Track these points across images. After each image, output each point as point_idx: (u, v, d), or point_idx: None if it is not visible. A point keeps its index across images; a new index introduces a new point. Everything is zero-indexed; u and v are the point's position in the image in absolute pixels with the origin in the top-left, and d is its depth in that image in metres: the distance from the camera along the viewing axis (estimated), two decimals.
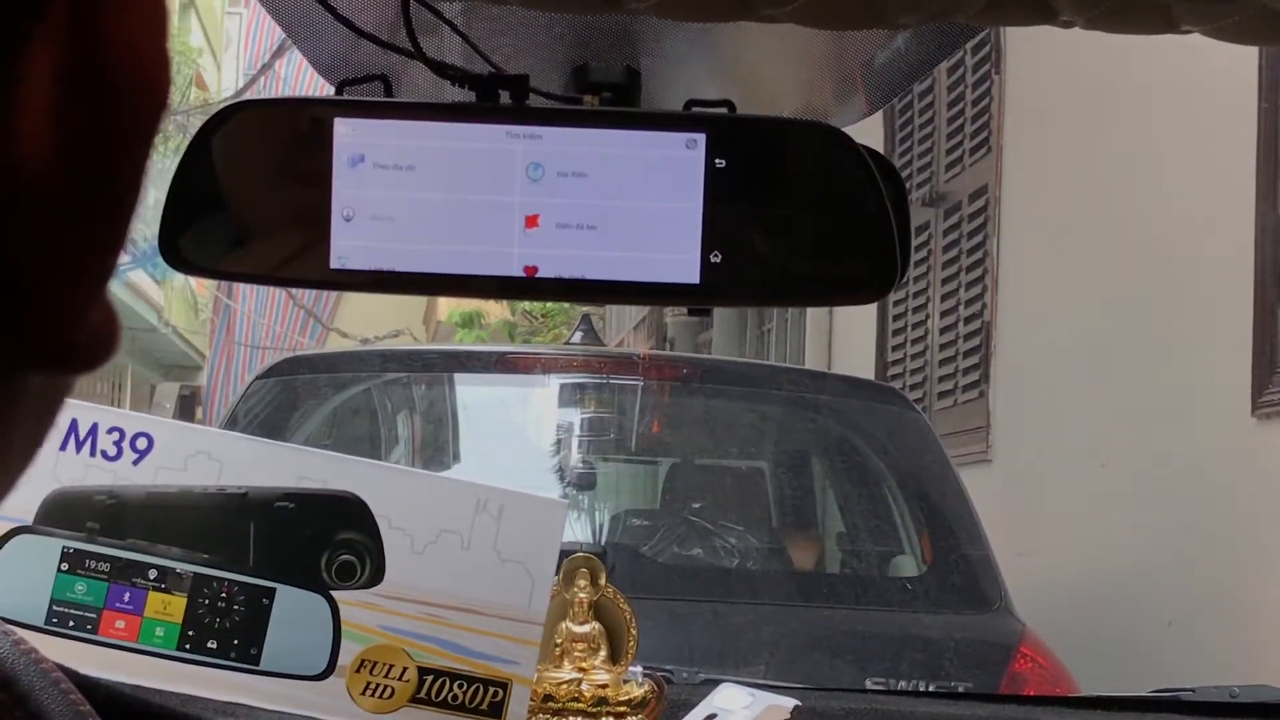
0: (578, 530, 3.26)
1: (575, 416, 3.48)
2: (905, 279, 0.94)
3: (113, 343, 0.31)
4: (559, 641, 1.23)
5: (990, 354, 5.51)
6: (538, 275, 0.91)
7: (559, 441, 3.45)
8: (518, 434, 3.59)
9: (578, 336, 4.10)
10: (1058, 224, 4.91)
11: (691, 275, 0.90)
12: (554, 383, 3.51)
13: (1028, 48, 5.18)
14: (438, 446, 3.56)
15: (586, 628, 1.24)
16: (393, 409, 3.65)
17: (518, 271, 0.91)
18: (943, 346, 6.07)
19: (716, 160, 0.90)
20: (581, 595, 1.25)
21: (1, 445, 0.31)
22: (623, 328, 12.41)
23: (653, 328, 11.00)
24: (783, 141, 0.93)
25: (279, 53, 9.56)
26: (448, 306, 15.20)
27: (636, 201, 0.90)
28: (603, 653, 1.24)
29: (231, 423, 3.28)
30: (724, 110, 0.92)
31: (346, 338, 14.03)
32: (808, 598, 3.18)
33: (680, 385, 3.52)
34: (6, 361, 0.30)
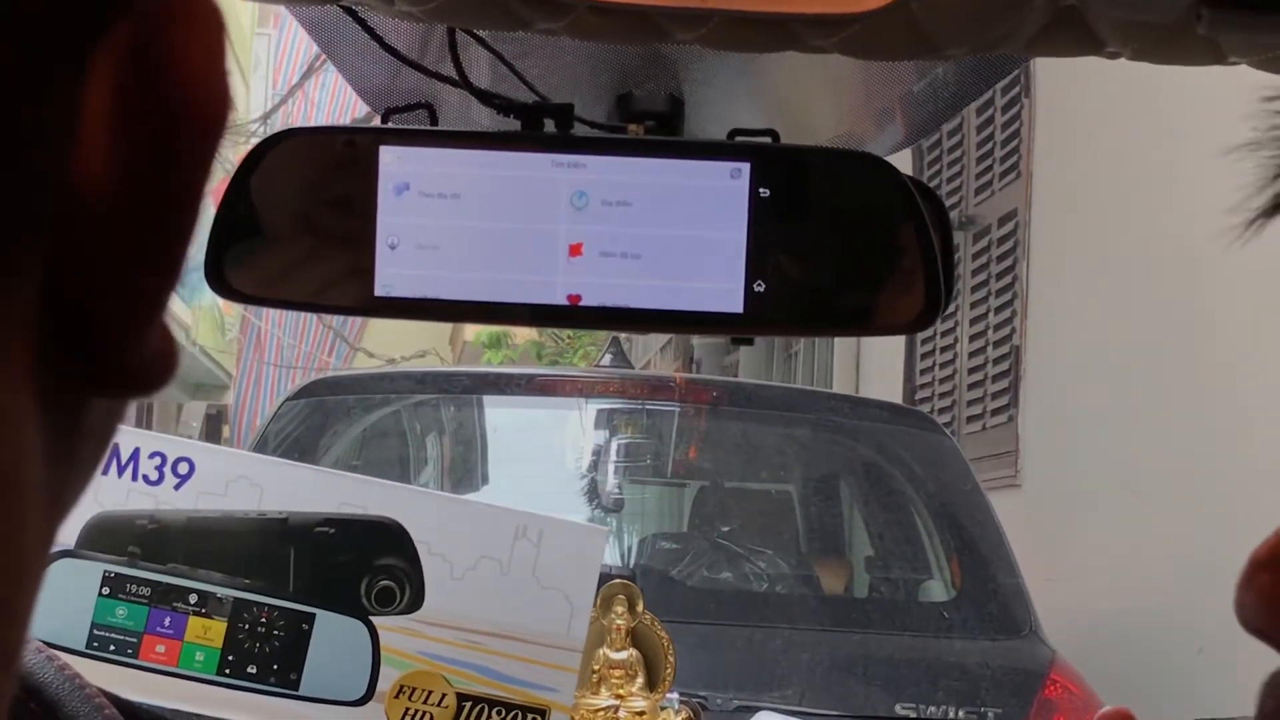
0: (605, 552, 3.25)
1: (606, 440, 3.48)
2: (948, 308, 0.94)
3: (171, 365, 0.31)
4: (596, 668, 1.24)
5: (1019, 378, 5.49)
6: (581, 304, 0.91)
7: (589, 464, 3.44)
8: (547, 457, 3.59)
9: (607, 359, 4.10)
10: (1088, 248, 4.89)
11: (735, 305, 0.90)
12: (585, 405, 3.50)
13: (1058, 71, 5.17)
14: (467, 468, 3.56)
15: (624, 654, 1.24)
16: (422, 431, 3.65)
17: (561, 300, 0.91)
18: (971, 370, 6.05)
19: (761, 189, 0.90)
20: (619, 621, 1.25)
21: (66, 470, 0.31)
22: (650, 349, 12.40)
23: (679, 349, 10.99)
24: (827, 171, 0.93)
25: (308, 73, 9.57)
26: (475, 327, 15.18)
27: (680, 230, 0.90)
28: (640, 679, 1.24)
29: (261, 444, 3.28)
30: (768, 139, 0.92)
31: (373, 358, 14.05)
32: (838, 622, 3.17)
33: (710, 408, 3.51)
34: (73, 386, 0.30)
